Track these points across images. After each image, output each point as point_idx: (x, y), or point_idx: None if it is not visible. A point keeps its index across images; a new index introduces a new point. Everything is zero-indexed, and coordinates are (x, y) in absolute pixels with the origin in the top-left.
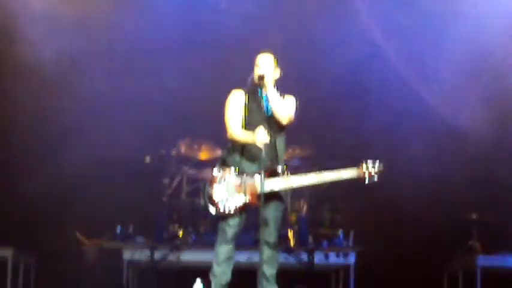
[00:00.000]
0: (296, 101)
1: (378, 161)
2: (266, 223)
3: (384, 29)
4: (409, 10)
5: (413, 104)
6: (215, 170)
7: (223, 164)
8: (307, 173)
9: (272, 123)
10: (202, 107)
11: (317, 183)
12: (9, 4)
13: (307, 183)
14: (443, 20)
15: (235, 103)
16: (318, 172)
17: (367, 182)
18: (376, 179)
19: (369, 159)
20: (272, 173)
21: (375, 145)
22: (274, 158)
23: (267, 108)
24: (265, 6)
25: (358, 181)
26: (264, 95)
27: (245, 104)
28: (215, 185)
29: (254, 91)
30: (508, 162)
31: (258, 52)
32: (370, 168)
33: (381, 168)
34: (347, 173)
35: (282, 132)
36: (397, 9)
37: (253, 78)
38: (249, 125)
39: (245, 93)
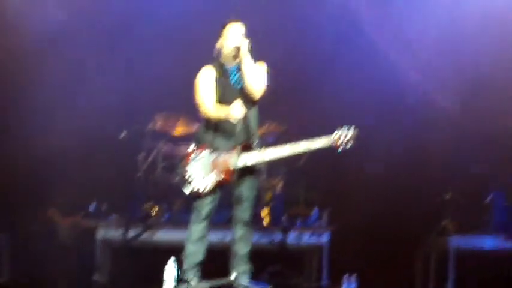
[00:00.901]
0: (267, 68)
1: (351, 127)
2: (240, 200)
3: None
4: None
5: (391, 79)
6: (190, 147)
7: (198, 141)
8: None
9: (244, 96)
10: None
11: (291, 154)
12: None
13: (281, 154)
14: None
15: (205, 80)
16: (290, 144)
17: (340, 149)
18: (348, 146)
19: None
20: (246, 148)
21: (352, 120)
22: (248, 132)
23: (237, 81)
24: None
25: (332, 154)
26: (230, 68)
27: (216, 79)
28: (189, 163)
29: (221, 65)
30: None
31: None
32: (342, 136)
33: (353, 135)
34: (320, 142)
35: (254, 105)
36: None
37: (220, 52)
38: (221, 100)
39: (214, 69)
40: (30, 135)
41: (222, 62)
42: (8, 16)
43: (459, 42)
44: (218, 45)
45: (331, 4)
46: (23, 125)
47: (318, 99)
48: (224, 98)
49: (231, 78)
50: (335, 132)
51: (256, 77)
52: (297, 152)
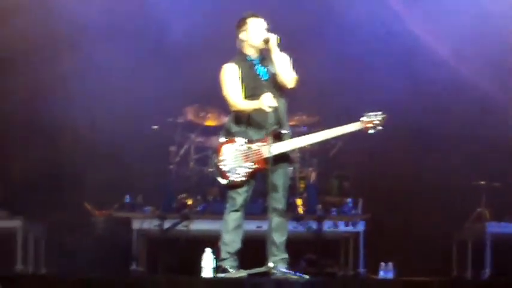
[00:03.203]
0: (290, 59)
1: (379, 112)
2: (275, 189)
3: None
4: None
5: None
6: (220, 139)
7: (228, 133)
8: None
9: (271, 87)
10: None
11: (322, 140)
12: None
13: (312, 141)
14: None
15: (231, 75)
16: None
17: (371, 131)
18: (379, 128)
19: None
20: (278, 136)
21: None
22: (279, 122)
23: (263, 73)
24: None
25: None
26: (254, 60)
27: (240, 74)
28: (222, 155)
29: (243, 59)
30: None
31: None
32: (373, 118)
33: (383, 118)
34: (350, 127)
35: (282, 95)
36: None
37: (244, 44)
38: (250, 92)
39: (236, 64)
40: (69, 129)
41: (246, 54)
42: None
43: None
44: (243, 37)
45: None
46: (61, 118)
47: (352, 91)
48: (253, 90)
49: (256, 70)
50: (365, 117)
51: (288, 68)
52: (328, 138)
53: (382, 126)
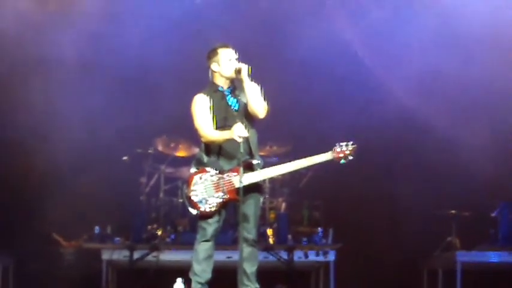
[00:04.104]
0: (261, 89)
1: (350, 142)
2: (246, 219)
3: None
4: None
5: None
6: (192, 170)
7: (199, 164)
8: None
9: (242, 117)
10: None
11: (293, 170)
12: None
13: (284, 171)
14: None
15: (201, 107)
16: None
17: (342, 161)
18: (350, 158)
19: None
20: (249, 166)
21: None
22: (250, 152)
23: (234, 103)
24: None
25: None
26: (225, 91)
27: (211, 105)
28: (193, 186)
29: (214, 90)
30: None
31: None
32: (344, 148)
33: (354, 148)
34: (322, 157)
35: (252, 125)
36: None
37: (215, 74)
38: (222, 123)
39: (207, 95)
40: (38, 157)
41: (217, 85)
42: None
43: None
44: (214, 67)
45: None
46: (32, 146)
47: (322, 119)
48: (224, 120)
49: (228, 100)
50: (336, 147)
51: (259, 98)
52: (299, 168)
53: (353, 156)
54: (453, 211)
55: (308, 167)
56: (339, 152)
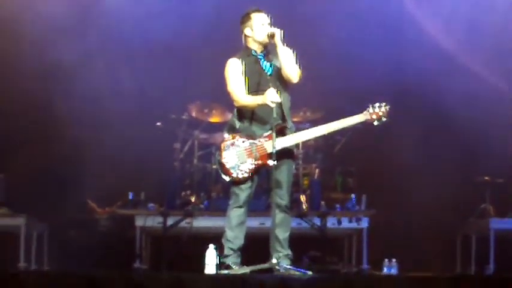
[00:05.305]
0: (294, 53)
1: (383, 103)
2: (278, 185)
3: None
4: None
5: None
6: (225, 136)
7: (232, 129)
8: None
9: (275, 82)
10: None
11: (326, 133)
12: None
13: (317, 134)
14: None
15: (235, 71)
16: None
17: (376, 123)
18: (384, 119)
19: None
20: (281, 131)
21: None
22: (283, 117)
23: (267, 68)
24: None
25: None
26: (258, 55)
27: (244, 69)
28: (225, 152)
29: (248, 54)
30: None
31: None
32: (377, 109)
33: (387, 109)
34: (355, 119)
35: (286, 90)
36: None
37: (248, 38)
38: (255, 87)
39: (240, 59)
40: (73, 127)
41: (251, 49)
42: None
43: None
44: (247, 32)
45: None
46: (65, 116)
47: (355, 85)
48: (257, 85)
49: (261, 65)
50: (370, 108)
51: (293, 63)
52: (332, 131)
53: (386, 117)
54: (487, 177)
55: (341, 129)
56: (372, 113)
